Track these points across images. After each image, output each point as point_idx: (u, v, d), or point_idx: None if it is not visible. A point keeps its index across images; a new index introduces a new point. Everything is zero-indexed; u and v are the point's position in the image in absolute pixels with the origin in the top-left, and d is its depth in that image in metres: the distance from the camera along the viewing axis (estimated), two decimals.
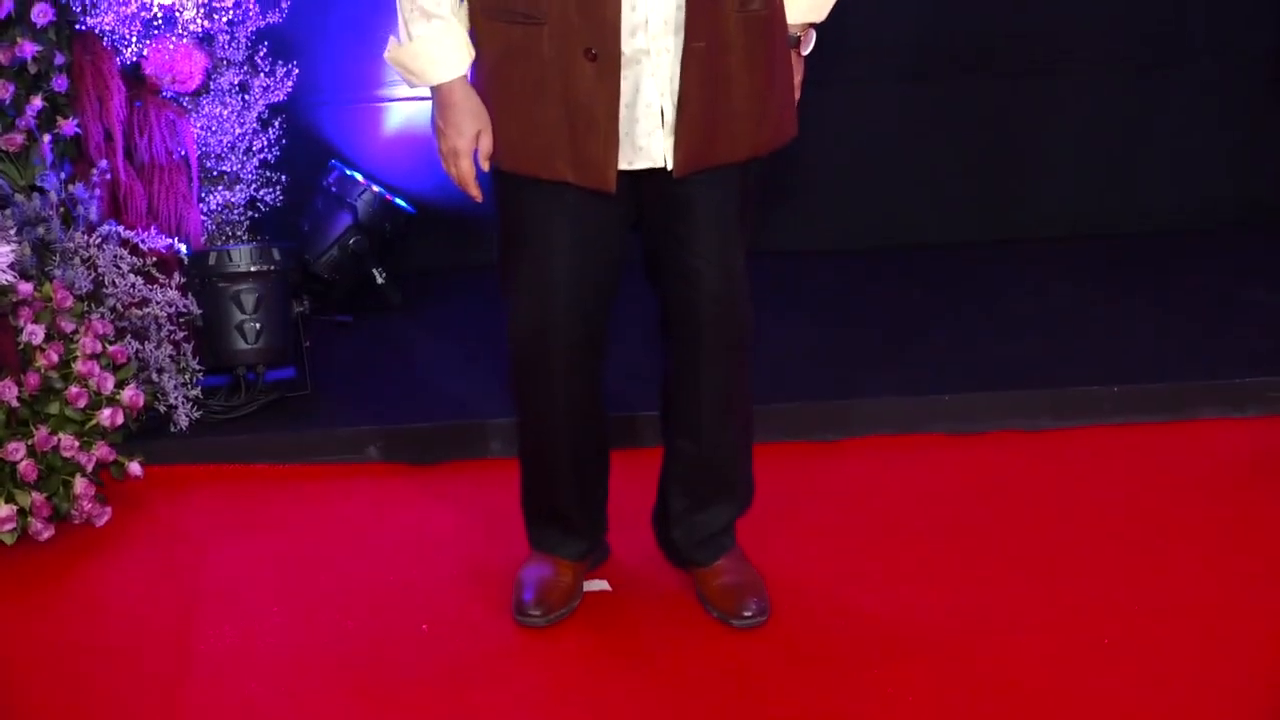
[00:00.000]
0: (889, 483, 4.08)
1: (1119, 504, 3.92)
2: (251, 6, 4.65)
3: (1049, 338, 4.82)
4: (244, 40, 4.66)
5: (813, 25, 3.37)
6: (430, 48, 3.15)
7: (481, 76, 3.18)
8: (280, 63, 4.73)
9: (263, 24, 4.69)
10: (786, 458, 4.16)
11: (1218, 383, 4.45)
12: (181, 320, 4.33)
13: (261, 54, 4.71)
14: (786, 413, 4.31)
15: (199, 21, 4.56)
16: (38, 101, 4.38)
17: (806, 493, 4.00)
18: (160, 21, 4.54)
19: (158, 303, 4.26)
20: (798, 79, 3.38)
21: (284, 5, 4.72)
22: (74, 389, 3.89)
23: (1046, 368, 4.58)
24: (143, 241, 4.34)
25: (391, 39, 3.20)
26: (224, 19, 4.61)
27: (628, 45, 3.06)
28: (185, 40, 4.55)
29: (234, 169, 4.69)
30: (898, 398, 4.42)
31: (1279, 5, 5.69)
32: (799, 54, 3.37)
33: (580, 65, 3.06)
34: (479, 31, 3.16)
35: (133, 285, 4.24)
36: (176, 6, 4.53)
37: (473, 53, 3.17)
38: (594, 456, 3.46)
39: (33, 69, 4.39)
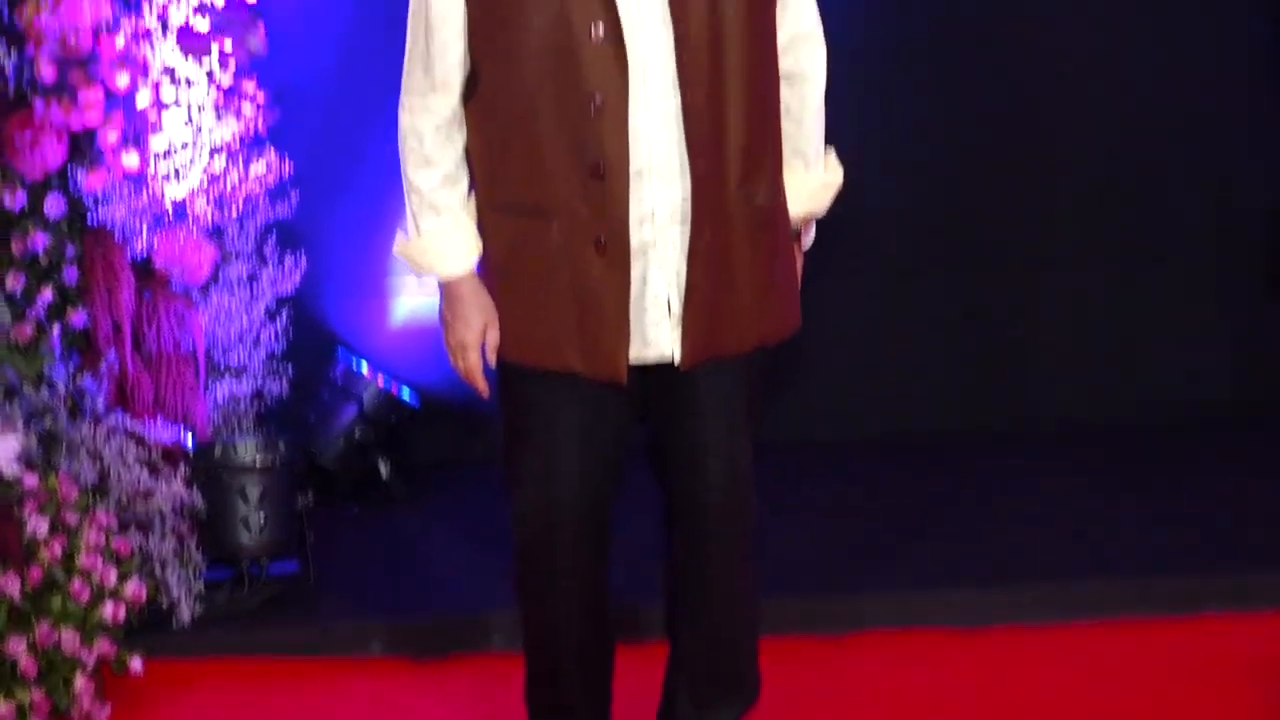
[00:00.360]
0: (895, 678, 4.05)
1: (1128, 703, 3.89)
2: (261, 200, 4.72)
3: (1052, 531, 4.82)
4: (253, 233, 4.72)
5: (813, 218, 3.41)
6: (438, 242, 3.19)
7: (489, 269, 3.21)
8: (289, 254, 4.78)
9: (271, 217, 4.76)
10: (791, 652, 4.12)
11: (1223, 578, 4.44)
12: (185, 512, 4.33)
13: (270, 246, 4.77)
14: (791, 606, 4.28)
15: (209, 214, 4.63)
16: (48, 293, 4.43)
17: (813, 688, 3.97)
18: (170, 214, 4.60)
19: (162, 495, 4.27)
20: (799, 272, 3.42)
21: (293, 198, 4.78)
22: (77, 583, 3.87)
23: (1051, 562, 4.58)
24: (149, 433, 4.36)
25: (399, 233, 3.24)
26: (233, 212, 4.68)
27: (635, 236, 3.09)
28: (195, 233, 4.61)
29: (241, 360, 4.73)
30: (903, 591, 4.40)
31: (1274, 196, 5.75)
32: (799, 247, 3.41)
33: (589, 257, 3.09)
34: (486, 225, 3.20)
35: (138, 478, 4.25)
36: (188, 200, 4.60)
37: (480, 246, 3.21)
38: (599, 652, 3.43)
39: (44, 261, 4.45)
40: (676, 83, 3.05)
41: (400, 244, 3.24)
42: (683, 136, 3.07)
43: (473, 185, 3.22)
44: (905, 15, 5.45)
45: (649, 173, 3.07)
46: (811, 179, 3.36)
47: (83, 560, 3.90)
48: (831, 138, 3.37)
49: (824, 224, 3.43)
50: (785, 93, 3.29)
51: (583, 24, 3.01)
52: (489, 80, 3.13)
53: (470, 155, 3.20)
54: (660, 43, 3.04)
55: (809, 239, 3.43)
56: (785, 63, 3.27)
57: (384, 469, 5.23)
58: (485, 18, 3.09)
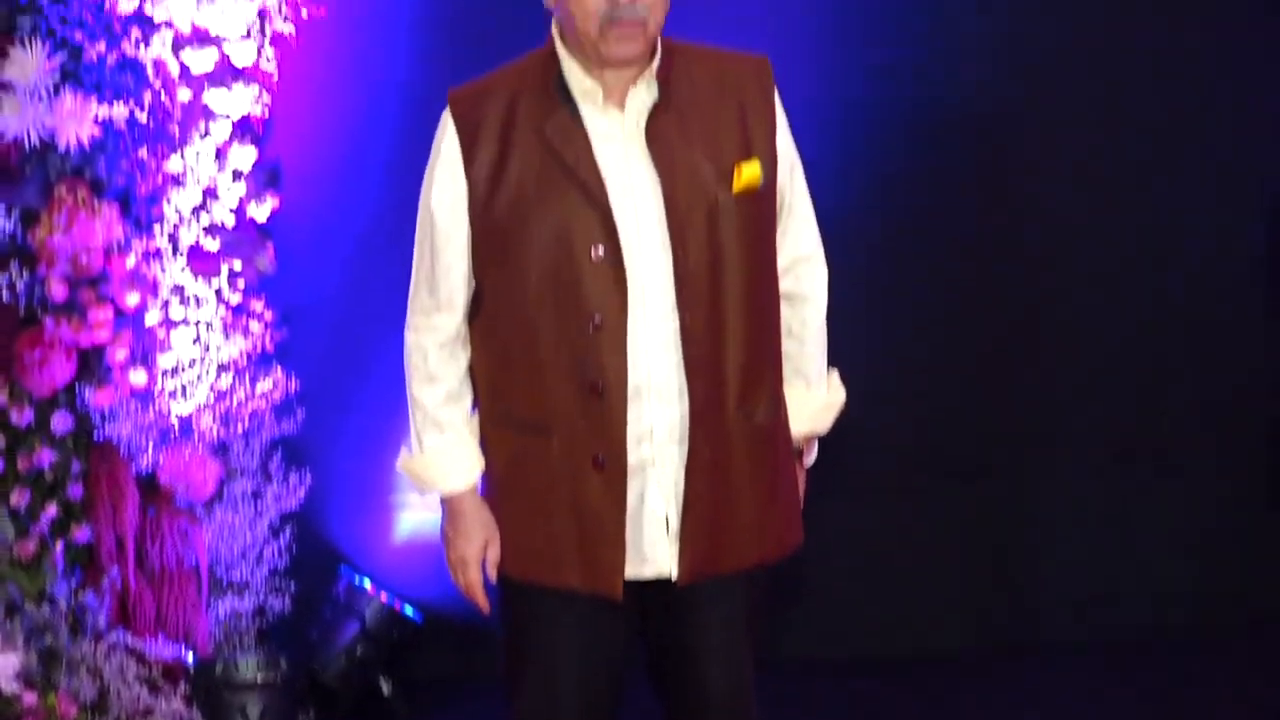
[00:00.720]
0: None
1: None
2: (267, 416, 4.76)
3: None
4: (258, 449, 4.75)
5: (815, 436, 3.43)
6: (441, 458, 3.21)
7: (490, 485, 3.24)
8: (293, 470, 4.81)
9: (277, 433, 4.79)
10: None
11: None
12: None
13: (275, 462, 4.80)
14: None
15: (215, 430, 4.66)
16: (52, 509, 4.45)
17: None
18: (177, 431, 4.63)
19: (162, 713, 4.24)
20: (801, 489, 3.43)
21: (298, 415, 4.82)
22: None
23: None
24: (150, 650, 4.35)
25: (403, 449, 3.27)
26: (239, 428, 4.71)
27: (633, 454, 3.12)
28: (200, 449, 4.64)
29: (243, 577, 4.73)
30: None
31: (1273, 412, 5.78)
32: (801, 465, 3.43)
33: (588, 474, 3.11)
34: (488, 439, 3.23)
35: (138, 695, 4.23)
36: (194, 416, 4.64)
37: (483, 463, 3.23)
38: None
39: (49, 477, 4.47)
40: (675, 304, 3.10)
41: (404, 460, 3.27)
42: (681, 357, 3.10)
43: (476, 401, 3.25)
44: (899, 229, 5.51)
45: (647, 392, 3.10)
46: (814, 399, 3.38)
47: None
48: (833, 358, 3.40)
49: (826, 439, 3.45)
50: (787, 313, 3.32)
51: (583, 245, 3.07)
52: (492, 298, 3.18)
53: (474, 371, 3.24)
54: (660, 265, 3.09)
55: (811, 457, 3.44)
56: (786, 283, 3.32)
57: (386, 687, 5.20)
58: (489, 237, 3.15)
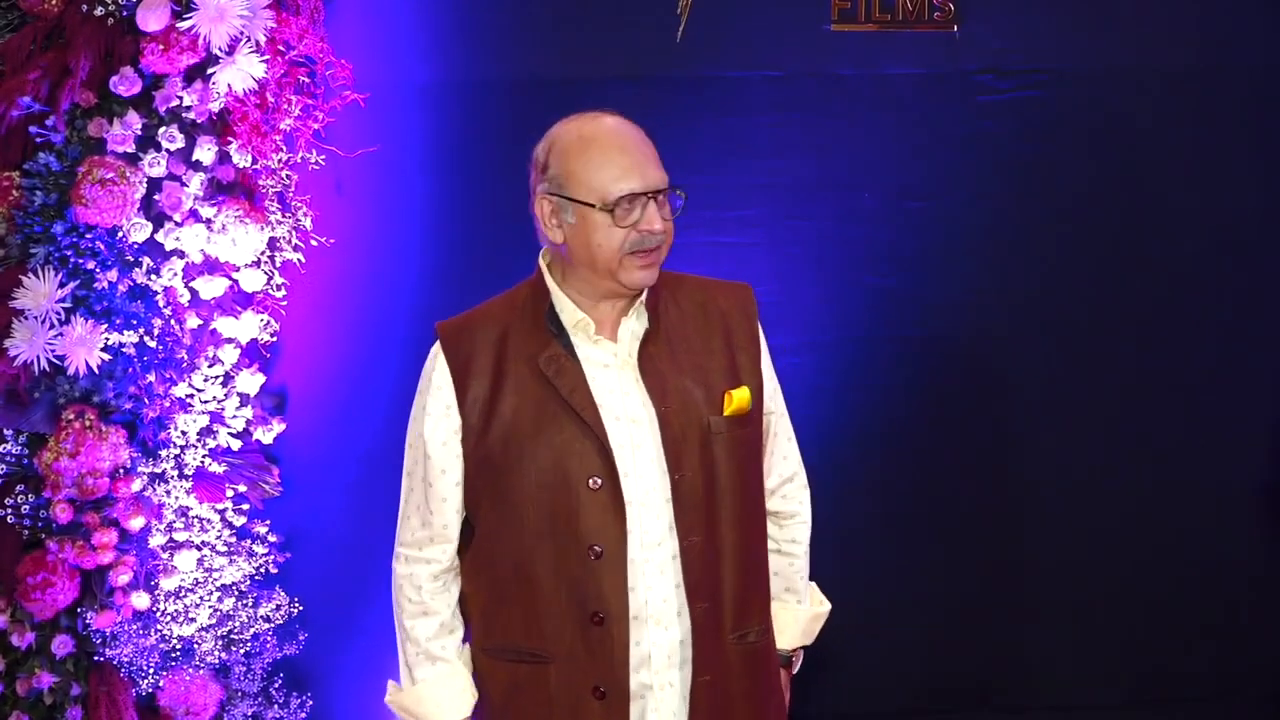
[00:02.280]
0: None
1: None
2: (269, 639, 4.70)
3: None
4: (260, 672, 4.70)
5: (803, 646, 3.43)
6: (435, 690, 3.20)
7: (486, 716, 3.19)
8: (294, 695, 4.74)
9: (279, 656, 4.73)
10: None
11: None
12: None
13: (277, 685, 4.74)
14: None
15: (217, 654, 4.60)
16: None
17: None
18: (178, 653, 4.57)
19: None
20: (786, 697, 3.41)
21: (301, 638, 4.77)
22: None
23: None
24: None
25: (391, 683, 3.24)
26: (241, 651, 4.66)
27: (633, 680, 3.11)
28: (202, 671, 4.58)
29: None
30: None
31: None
32: (789, 674, 3.42)
33: (588, 703, 3.10)
34: (482, 671, 3.22)
35: None
36: (195, 638, 4.58)
37: (475, 695, 3.20)
38: None
39: (48, 699, 4.42)
40: (673, 528, 3.08)
41: (393, 694, 3.24)
42: (680, 580, 3.09)
43: (467, 631, 3.22)
44: (895, 447, 5.48)
45: (646, 618, 3.10)
46: (803, 612, 3.44)
47: None
48: (820, 573, 3.40)
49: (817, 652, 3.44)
50: (776, 531, 3.37)
51: (581, 476, 3.09)
52: (486, 529, 3.18)
53: (465, 601, 3.24)
54: (656, 489, 3.11)
55: (798, 665, 3.46)
56: (774, 503, 3.37)
57: None
58: (483, 470, 3.16)
